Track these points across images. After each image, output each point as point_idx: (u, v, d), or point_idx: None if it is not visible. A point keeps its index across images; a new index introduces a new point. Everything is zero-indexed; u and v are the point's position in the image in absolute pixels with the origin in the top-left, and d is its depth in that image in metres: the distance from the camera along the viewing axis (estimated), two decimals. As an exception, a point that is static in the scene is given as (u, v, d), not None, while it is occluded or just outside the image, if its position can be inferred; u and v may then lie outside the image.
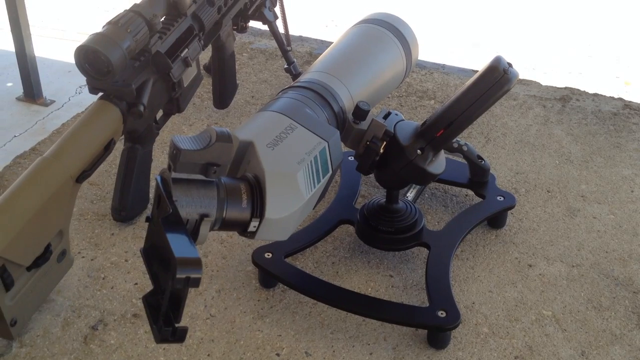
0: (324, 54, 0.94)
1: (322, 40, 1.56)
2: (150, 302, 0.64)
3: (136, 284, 0.90)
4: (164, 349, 0.81)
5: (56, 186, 0.80)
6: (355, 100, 0.86)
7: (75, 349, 0.81)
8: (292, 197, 0.71)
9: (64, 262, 0.85)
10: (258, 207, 0.69)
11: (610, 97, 1.35)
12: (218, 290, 0.89)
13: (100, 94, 0.89)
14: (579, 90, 1.37)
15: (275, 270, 0.87)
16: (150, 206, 1.01)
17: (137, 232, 0.98)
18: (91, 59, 0.84)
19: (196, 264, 0.57)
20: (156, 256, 0.65)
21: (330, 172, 0.75)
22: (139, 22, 0.87)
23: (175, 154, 0.63)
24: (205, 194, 0.66)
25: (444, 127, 0.81)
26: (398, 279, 0.91)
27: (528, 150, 1.18)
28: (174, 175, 0.65)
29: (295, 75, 1.30)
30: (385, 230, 0.90)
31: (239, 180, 0.70)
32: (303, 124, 0.77)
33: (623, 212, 1.05)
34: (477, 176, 1.00)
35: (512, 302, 0.89)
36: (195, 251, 0.59)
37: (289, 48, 1.29)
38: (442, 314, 0.80)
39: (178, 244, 0.58)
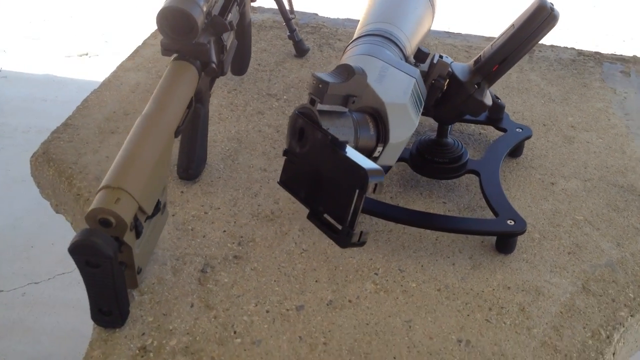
0: (368, 7, 1.05)
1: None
2: (316, 219, 0.72)
3: (224, 231, 0.97)
4: (275, 280, 0.89)
5: (165, 140, 0.86)
6: (410, 43, 0.98)
7: (195, 290, 0.87)
8: (407, 124, 0.82)
9: (165, 214, 0.91)
10: (382, 134, 0.79)
11: (564, 47, 1.55)
12: (301, 229, 0.98)
13: (174, 55, 0.95)
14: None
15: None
16: (219, 162, 1.08)
17: (205, 188, 1.04)
18: (173, 20, 0.90)
19: (380, 172, 0.66)
20: (308, 181, 0.74)
21: (423, 104, 0.87)
22: None
23: (322, 87, 0.72)
24: (344, 123, 0.76)
25: (498, 63, 0.94)
26: (451, 205, 1.04)
27: (516, 94, 1.34)
28: (320, 107, 0.73)
29: (298, 42, 1.39)
30: (441, 162, 1.02)
31: (362, 112, 0.80)
32: (392, 63, 0.87)
33: (608, 136, 1.23)
34: (496, 113, 1.15)
35: (549, 212, 1.04)
36: (373, 163, 0.68)
37: (292, 16, 1.38)
38: (510, 222, 0.94)
39: (358, 158, 0.67)
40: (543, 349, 0.82)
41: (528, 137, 1.13)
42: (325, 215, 0.72)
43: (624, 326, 0.86)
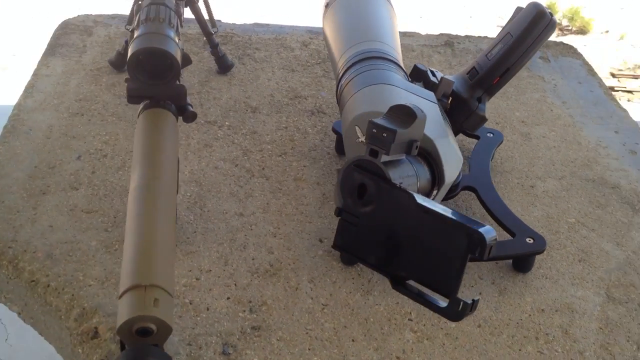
0: (339, 26, 0.95)
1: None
2: (405, 290, 0.63)
3: (228, 298, 0.84)
4: (309, 349, 0.78)
5: (174, 210, 0.71)
6: (399, 55, 0.90)
7: (225, 379, 0.74)
8: (456, 159, 0.74)
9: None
10: (437, 175, 0.71)
11: (480, 37, 1.54)
12: (310, 280, 0.87)
13: (144, 102, 0.80)
14: (450, 34, 1.53)
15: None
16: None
17: (184, 248, 0.89)
18: (150, 62, 0.75)
19: (492, 230, 0.58)
20: (376, 243, 0.64)
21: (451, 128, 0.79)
22: (172, 15, 0.80)
23: (387, 136, 0.63)
24: (407, 172, 0.66)
25: (500, 75, 0.89)
26: (449, 225, 0.98)
27: (458, 92, 1.31)
28: (385, 158, 0.64)
29: (221, 58, 1.25)
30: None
31: (413, 155, 0.71)
32: (408, 89, 0.79)
33: (558, 128, 1.24)
34: (466, 120, 1.10)
35: (543, 219, 1.01)
36: (478, 221, 0.60)
37: (214, 30, 1.23)
38: (530, 240, 0.90)
39: (460, 217, 0.59)
40: (604, 373, 0.79)
41: (501, 142, 1.10)
42: (410, 282, 0.63)
43: (661, 331, 0.86)
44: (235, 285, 0.85)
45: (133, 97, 0.79)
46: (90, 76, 1.24)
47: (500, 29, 0.91)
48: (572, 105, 1.31)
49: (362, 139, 0.75)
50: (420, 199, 0.60)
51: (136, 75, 0.76)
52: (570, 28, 5.70)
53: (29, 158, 1.03)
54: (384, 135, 0.62)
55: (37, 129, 1.09)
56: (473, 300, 0.59)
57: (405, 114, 0.64)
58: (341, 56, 0.90)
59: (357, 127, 0.76)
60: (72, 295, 0.82)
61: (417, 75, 0.88)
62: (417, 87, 0.81)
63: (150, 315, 0.60)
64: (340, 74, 0.87)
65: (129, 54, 0.74)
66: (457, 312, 0.59)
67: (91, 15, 1.47)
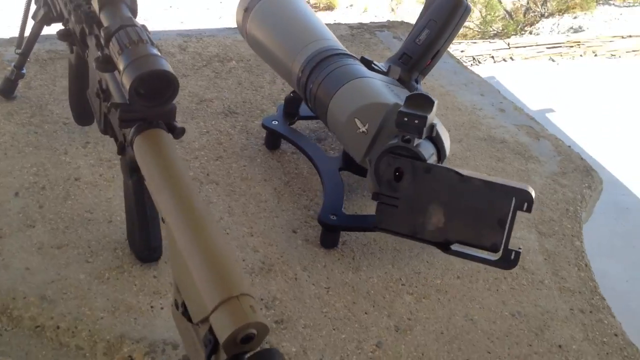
0: (286, 33, 1.01)
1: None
2: (455, 252, 0.72)
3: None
4: (335, 329, 0.85)
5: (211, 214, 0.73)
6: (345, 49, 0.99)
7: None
8: (447, 135, 0.84)
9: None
10: (441, 152, 0.80)
11: (340, 24, 1.66)
12: (303, 268, 0.93)
13: (136, 124, 0.79)
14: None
15: (350, 223, 0.96)
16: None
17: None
18: (153, 85, 0.75)
19: (528, 187, 0.69)
20: (417, 218, 0.72)
21: None
22: (147, 33, 0.80)
23: (419, 122, 0.72)
24: (429, 150, 0.75)
25: (431, 58, 1.00)
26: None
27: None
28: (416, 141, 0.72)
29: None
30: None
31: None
32: (384, 80, 0.88)
33: (437, 97, 1.39)
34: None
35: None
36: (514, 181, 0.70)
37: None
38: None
39: (503, 181, 0.69)
40: (560, 292, 0.95)
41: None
42: (456, 245, 0.72)
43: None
44: (241, 287, 0.88)
45: (126, 122, 0.78)
46: (-21, 108, 1.16)
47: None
48: (438, 77, 1.48)
49: (364, 129, 0.83)
50: (462, 171, 0.69)
51: (137, 99, 0.75)
52: (318, 5, 6.06)
53: (-37, 203, 0.95)
54: (416, 121, 0.70)
55: (-40, 165, 1.01)
56: (520, 249, 0.70)
57: (423, 101, 0.73)
58: (294, 59, 0.96)
59: (356, 120, 0.83)
60: (89, 331, 0.80)
61: (365, 65, 0.96)
62: (386, 77, 0.90)
63: (254, 322, 0.63)
64: (303, 77, 0.92)
65: (128, 81, 0.73)
66: (511, 260, 0.69)
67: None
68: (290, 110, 1.17)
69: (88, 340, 0.79)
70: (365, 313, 0.88)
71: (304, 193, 1.07)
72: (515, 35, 5.38)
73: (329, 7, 5.96)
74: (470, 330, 0.87)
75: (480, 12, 5.49)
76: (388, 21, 1.73)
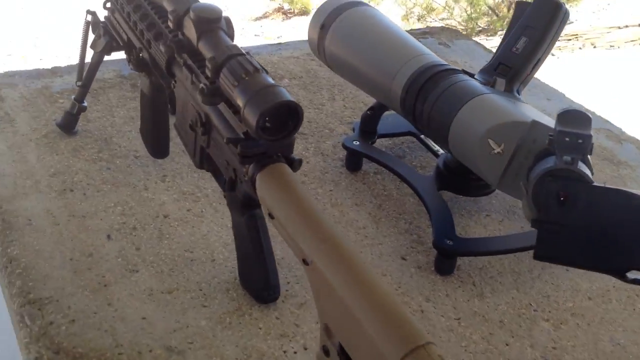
0: (379, 49, 0.96)
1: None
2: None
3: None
4: (477, 362, 0.80)
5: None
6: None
7: None
8: None
9: None
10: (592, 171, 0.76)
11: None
12: (427, 299, 0.88)
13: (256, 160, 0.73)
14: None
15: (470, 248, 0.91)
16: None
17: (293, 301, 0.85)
18: (280, 117, 0.69)
19: None
20: (585, 244, 0.68)
21: None
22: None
23: (584, 143, 0.68)
24: (588, 168, 0.71)
25: (533, 67, 0.96)
26: (498, 216, 1.05)
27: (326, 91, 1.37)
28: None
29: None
30: (476, 177, 1.01)
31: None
32: (503, 96, 0.84)
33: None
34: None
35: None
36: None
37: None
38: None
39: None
40: None
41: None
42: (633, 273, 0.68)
43: None
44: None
45: (248, 158, 0.73)
46: (43, 145, 1.09)
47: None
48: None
49: (498, 150, 0.78)
50: (631, 190, 0.65)
51: (261, 133, 0.69)
52: (293, 11, 6.03)
53: (55, 251, 0.88)
54: (580, 141, 0.66)
55: (36, 217, 0.94)
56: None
57: (580, 119, 0.68)
58: (394, 78, 0.91)
59: (489, 140, 0.78)
60: (229, 383, 0.74)
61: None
62: (503, 92, 0.86)
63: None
64: (409, 97, 0.88)
65: (253, 116, 0.67)
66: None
67: (-17, 78, 1.28)
68: (369, 128, 1.12)
69: (230, 393, 0.73)
70: (507, 345, 0.83)
71: (400, 216, 1.02)
72: (502, 30, 5.39)
73: (304, 12, 5.93)
74: (621, 356, 0.82)
75: (465, 10, 5.50)
76: (428, 27, 1.69)
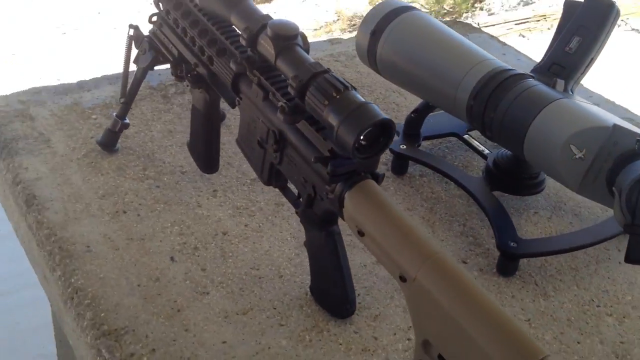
0: (441, 55, 0.96)
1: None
2: None
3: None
4: (558, 364, 0.81)
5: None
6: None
7: None
8: None
9: None
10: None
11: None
12: (496, 302, 0.89)
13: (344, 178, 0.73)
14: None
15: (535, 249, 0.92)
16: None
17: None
18: (371, 135, 0.69)
19: None
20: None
21: None
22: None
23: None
24: None
25: (586, 66, 0.97)
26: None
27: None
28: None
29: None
30: (528, 177, 1.01)
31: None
32: (577, 99, 0.85)
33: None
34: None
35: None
36: None
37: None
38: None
39: None
40: None
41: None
42: None
43: None
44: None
45: (337, 177, 0.73)
46: (86, 166, 1.07)
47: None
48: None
49: (580, 155, 0.79)
50: None
51: (356, 154, 0.69)
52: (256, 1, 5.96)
53: (121, 278, 0.88)
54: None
55: (94, 243, 0.93)
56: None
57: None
58: (459, 85, 0.92)
59: (572, 146, 0.79)
60: (320, 404, 0.74)
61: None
62: (569, 94, 0.87)
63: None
64: (477, 104, 0.89)
65: (350, 136, 0.67)
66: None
67: (8, 95, 1.25)
68: (413, 131, 1.12)
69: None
70: (578, 343, 0.84)
71: (453, 219, 1.03)
72: (467, 12, 5.36)
73: (267, 0, 5.85)
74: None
75: (428, -8, 5.45)
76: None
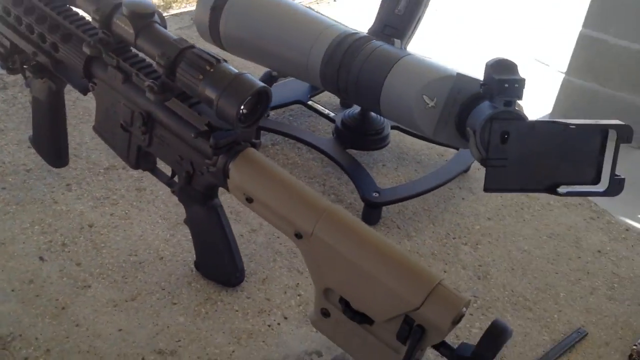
0: (287, 25, 0.99)
1: None
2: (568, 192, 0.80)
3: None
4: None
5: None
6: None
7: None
8: None
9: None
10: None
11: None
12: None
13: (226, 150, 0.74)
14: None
15: (394, 196, 1.00)
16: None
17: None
18: (251, 105, 0.71)
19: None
20: (524, 172, 0.79)
21: None
22: None
23: (519, 86, 0.78)
24: (519, 108, 0.82)
25: (414, 25, 1.05)
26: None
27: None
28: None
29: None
30: (375, 132, 1.09)
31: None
32: (418, 55, 0.92)
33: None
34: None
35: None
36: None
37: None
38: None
39: (596, 121, 0.78)
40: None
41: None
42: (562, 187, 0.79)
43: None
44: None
45: (220, 149, 0.74)
46: None
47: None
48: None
49: (432, 104, 0.86)
50: (564, 121, 0.77)
51: (236, 121, 0.70)
52: None
53: None
54: (516, 85, 0.75)
55: None
56: (623, 177, 0.79)
57: (508, 66, 0.78)
58: (309, 53, 0.95)
59: (424, 96, 0.85)
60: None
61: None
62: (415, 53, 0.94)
63: (467, 301, 0.65)
64: (329, 68, 0.92)
65: (232, 107, 0.68)
66: (617, 187, 0.78)
67: None
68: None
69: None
70: (445, 272, 0.93)
71: (312, 180, 1.08)
72: None
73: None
74: (531, 259, 0.97)
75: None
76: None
